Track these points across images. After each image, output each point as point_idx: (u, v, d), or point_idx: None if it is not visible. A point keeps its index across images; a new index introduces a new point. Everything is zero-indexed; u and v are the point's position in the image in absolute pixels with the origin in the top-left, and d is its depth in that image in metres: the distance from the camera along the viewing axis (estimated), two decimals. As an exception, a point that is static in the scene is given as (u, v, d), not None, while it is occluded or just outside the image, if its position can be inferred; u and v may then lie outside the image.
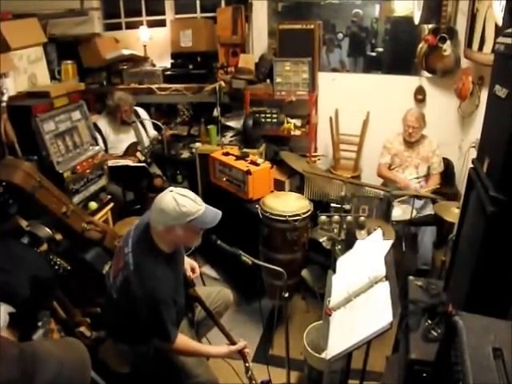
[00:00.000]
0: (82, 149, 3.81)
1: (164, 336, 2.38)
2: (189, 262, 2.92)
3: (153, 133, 4.88)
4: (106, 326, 2.81)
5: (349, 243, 3.13)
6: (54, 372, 0.94)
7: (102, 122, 4.61)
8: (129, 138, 4.69)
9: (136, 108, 4.78)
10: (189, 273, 2.85)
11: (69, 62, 4.90)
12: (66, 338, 1.04)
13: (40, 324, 2.34)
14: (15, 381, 0.85)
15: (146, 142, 4.74)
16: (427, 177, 4.57)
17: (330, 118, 5.29)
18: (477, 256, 1.94)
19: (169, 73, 5.33)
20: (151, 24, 5.68)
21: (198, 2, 5.56)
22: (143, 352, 2.52)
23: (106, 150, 4.49)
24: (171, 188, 2.38)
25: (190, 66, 5.26)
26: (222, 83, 4.81)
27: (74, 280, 3.02)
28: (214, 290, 3.08)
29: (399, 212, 4.04)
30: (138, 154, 4.58)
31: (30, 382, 0.88)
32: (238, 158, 4.09)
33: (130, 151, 4.59)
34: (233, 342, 2.58)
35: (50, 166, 3.42)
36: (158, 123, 4.62)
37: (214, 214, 2.43)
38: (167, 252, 2.42)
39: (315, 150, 5.38)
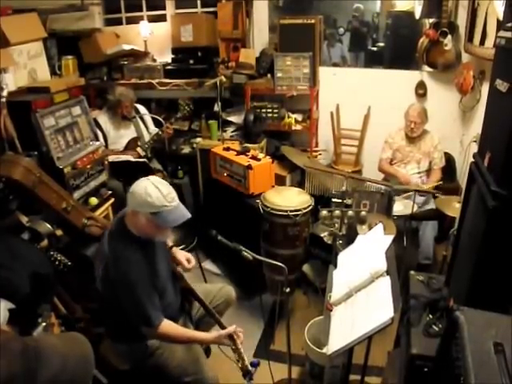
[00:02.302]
0: (82, 144, 3.80)
1: (146, 321, 2.37)
2: (183, 254, 2.91)
3: (153, 129, 4.87)
4: (103, 325, 2.81)
5: (350, 238, 3.14)
6: (58, 367, 0.93)
7: (103, 118, 4.59)
8: (129, 133, 4.67)
9: (135, 104, 4.77)
10: (184, 263, 2.84)
11: (69, 57, 4.89)
12: (70, 332, 1.03)
13: (40, 320, 2.34)
14: (18, 376, 0.85)
15: (147, 137, 4.73)
16: (428, 172, 4.57)
17: (331, 113, 5.28)
18: (478, 251, 1.94)
19: (169, 68, 5.31)
20: (152, 19, 5.67)
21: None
22: (138, 351, 2.54)
23: (106, 146, 4.48)
24: (152, 177, 2.40)
25: (191, 61, 5.25)
26: (223, 78, 4.80)
27: (75, 276, 3.02)
28: (215, 288, 3.07)
29: (400, 207, 4.03)
30: (139, 149, 4.58)
31: (33, 377, 0.87)
32: (238, 152, 4.09)
33: (130, 146, 4.58)
34: (223, 328, 2.54)
35: (50, 161, 3.40)
36: (159, 118, 4.61)
37: (180, 216, 2.37)
38: (139, 237, 2.42)
39: (316, 145, 5.38)
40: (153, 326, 2.38)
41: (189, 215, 2.41)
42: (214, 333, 2.52)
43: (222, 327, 2.54)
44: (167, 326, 2.44)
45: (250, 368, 2.40)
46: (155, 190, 2.29)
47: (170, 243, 2.94)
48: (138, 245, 2.41)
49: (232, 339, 2.44)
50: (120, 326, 2.53)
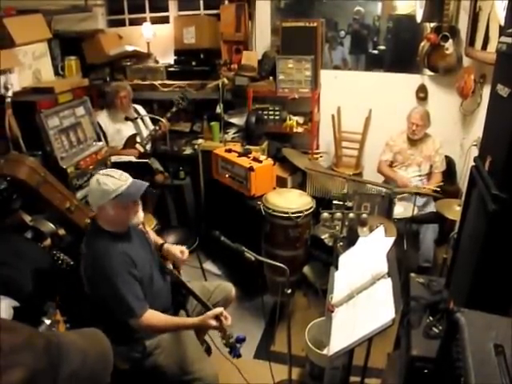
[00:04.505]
0: (85, 144, 3.82)
1: (128, 312, 2.38)
2: (176, 247, 2.92)
3: (152, 127, 4.87)
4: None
5: (351, 240, 3.15)
6: (79, 362, 0.94)
7: (102, 117, 4.57)
8: (128, 130, 4.67)
9: (135, 106, 4.78)
10: (178, 255, 2.85)
11: (72, 57, 4.90)
12: (89, 328, 1.03)
13: (45, 318, 2.36)
14: (42, 371, 0.85)
15: (145, 133, 4.72)
16: (429, 175, 4.58)
17: (332, 116, 5.29)
18: (478, 253, 1.96)
19: (172, 69, 5.33)
20: (155, 20, 5.69)
21: (201, -1, 5.57)
22: (138, 351, 2.55)
23: (106, 143, 4.48)
24: (100, 171, 2.49)
25: (193, 63, 5.26)
26: (225, 80, 4.82)
27: (77, 275, 3.03)
28: (212, 285, 3.09)
29: (401, 209, 4.06)
30: (138, 145, 4.58)
31: (55, 373, 0.87)
32: (240, 154, 4.11)
33: (130, 144, 4.58)
34: (209, 309, 2.53)
35: (53, 161, 3.43)
36: (160, 118, 4.61)
37: (139, 187, 2.48)
38: (114, 231, 2.48)
39: (317, 147, 5.39)
40: (136, 317, 2.39)
41: (145, 183, 2.52)
42: (201, 316, 2.48)
43: (208, 309, 2.54)
44: (151, 315, 2.44)
45: (236, 344, 2.41)
46: (107, 177, 2.39)
47: (161, 241, 2.97)
48: (111, 238, 2.45)
49: (218, 320, 2.42)
50: (115, 328, 2.53)
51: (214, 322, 2.41)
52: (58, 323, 2.44)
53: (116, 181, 2.38)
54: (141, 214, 2.58)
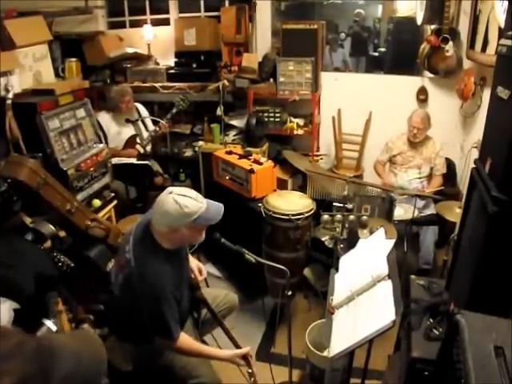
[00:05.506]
0: (86, 146, 3.83)
1: (166, 334, 2.37)
2: (196, 264, 2.89)
3: (153, 128, 4.88)
4: (109, 324, 2.80)
5: (351, 242, 3.14)
6: (72, 365, 0.92)
7: (104, 117, 4.60)
8: (128, 131, 4.68)
9: (136, 104, 4.80)
10: (196, 274, 2.83)
11: (73, 59, 4.91)
12: (81, 330, 1.02)
13: (45, 320, 2.35)
14: (33, 376, 0.84)
15: (146, 135, 4.74)
16: (429, 177, 4.58)
17: (333, 118, 5.30)
18: (478, 255, 1.96)
19: (172, 71, 5.35)
20: (155, 22, 5.70)
21: (202, 1, 5.58)
22: (146, 351, 2.53)
23: (107, 144, 4.49)
24: (170, 189, 2.35)
25: (194, 65, 5.28)
26: (226, 82, 4.83)
27: (78, 277, 3.03)
28: (220, 294, 3.06)
29: (401, 211, 4.05)
30: (138, 146, 4.59)
31: (47, 377, 0.86)
32: (241, 156, 4.10)
33: (130, 144, 4.59)
34: (237, 346, 2.57)
35: (54, 163, 3.43)
36: (160, 120, 4.62)
37: (217, 209, 2.42)
38: (169, 249, 2.41)
39: (317, 150, 5.39)
40: (172, 340, 2.38)
41: (222, 205, 2.46)
42: (229, 351, 2.53)
43: (237, 346, 2.58)
44: (184, 339, 2.43)
45: None
46: (185, 198, 2.28)
47: None
48: (166, 258, 2.39)
49: (247, 361, 2.47)
50: (130, 327, 2.52)
51: (242, 362, 2.49)
52: (61, 313, 2.40)
53: (195, 202, 2.29)
54: (203, 234, 2.52)
